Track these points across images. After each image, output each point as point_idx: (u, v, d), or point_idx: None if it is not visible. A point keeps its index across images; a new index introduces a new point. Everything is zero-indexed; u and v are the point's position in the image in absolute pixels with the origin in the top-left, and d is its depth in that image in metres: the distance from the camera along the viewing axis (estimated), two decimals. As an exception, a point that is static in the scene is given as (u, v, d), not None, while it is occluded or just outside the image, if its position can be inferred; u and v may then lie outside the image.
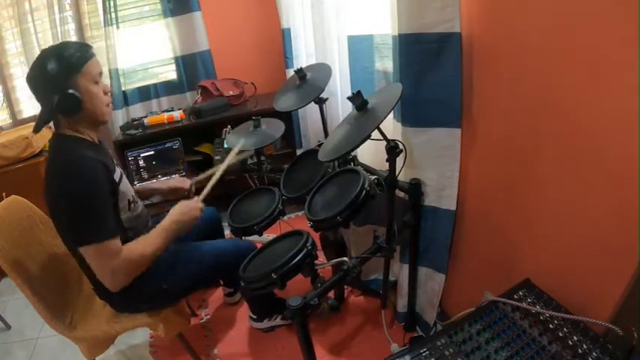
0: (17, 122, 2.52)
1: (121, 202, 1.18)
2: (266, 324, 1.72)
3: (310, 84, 1.58)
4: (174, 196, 1.56)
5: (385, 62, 1.60)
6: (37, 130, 1.17)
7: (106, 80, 2.38)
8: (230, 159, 1.46)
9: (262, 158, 1.76)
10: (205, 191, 1.38)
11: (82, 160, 1.08)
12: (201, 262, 1.36)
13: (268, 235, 1.62)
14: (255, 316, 1.73)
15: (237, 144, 1.50)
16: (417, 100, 1.22)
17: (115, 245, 1.11)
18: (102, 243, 1.08)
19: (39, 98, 1.10)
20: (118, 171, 1.22)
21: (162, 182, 1.56)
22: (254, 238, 1.46)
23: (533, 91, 0.95)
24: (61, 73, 1.06)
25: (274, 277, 1.07)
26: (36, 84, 1.09)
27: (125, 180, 1.25)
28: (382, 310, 1.63)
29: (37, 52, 2.30)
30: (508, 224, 1.15)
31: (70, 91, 1.07)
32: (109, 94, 1.21)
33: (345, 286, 1.84)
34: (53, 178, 1.09)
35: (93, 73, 1.12)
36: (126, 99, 2.57)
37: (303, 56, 2.14)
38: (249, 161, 1.85)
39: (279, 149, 2.60)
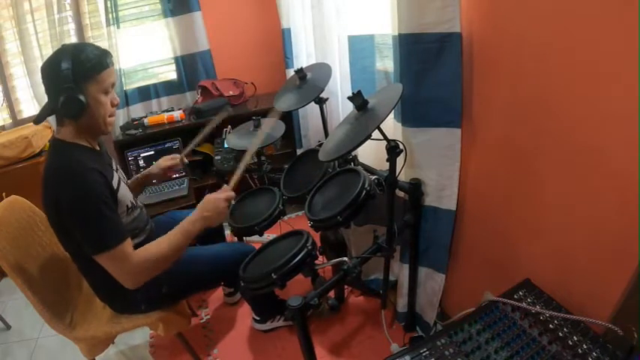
0: (17, 122, 2.52)
1: (120, 208, 1.18)
2: (268, 325, 1.72)
3: (310, 84, 1.58)
4: (171, 174, 1.53)
5: (386, 62, 1.60)
6: (38, 121, 1.16)
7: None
8: (256, 144, 1.39)
9: (262, 158, 1.76)
10: (235, 178, 1.31)
11: (80, 170, 1.07)
12: (201, 266, 1.36)
13: (269, 235, 1.62)
14: (258, 318, 1.73)
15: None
16: (417, 100, 1.22)
17: (127, 248, 1.11)
18: (113, 249, 1.08)
19: (47, 91, 1.09)
20: (117, 177, 1.21)
21: (153, 167, 1.52)
22: (255, 238, 1.46)
23: (533, 91, 0.96)
24: (74, 75, 1.04)
25: (274, 277, 1.07)
26: (47, 77, 1.08)
27: (123, 185, 1.24)
28: (382, 310, 1.63)
29: (36, 52, 2.35)
30: (508, 224, 1.15)
31: (80, 97, 1.05)
32: (117, 105, 1.18)
33: (345, 286, 1.84)
34: (52, 190, 1.08)
35: (106, 83, 1.10)
36: (126, 99, 2.56)
37: (303, 56, 2.14)
38: (250, 161, 1.85)
39: (279, 149, 2.61)
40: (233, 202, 1.28)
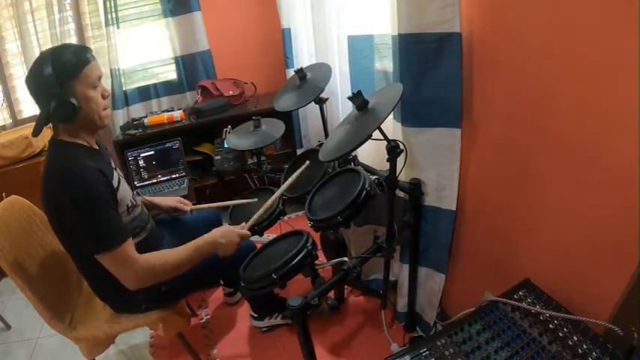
0: (17, 122, 2.52)
1: (120, 207, 1.18)
2: (267, 323, 1.72)
3: (310, 84, 1.58)
4: (173, 214, 1.55)
5: (385, 62, 1.60)
6: (35, 133, 1.15)
7: (106, 80, 2.38)
8: (279, 193, 1.40)
9: (262, 158, 1.76)
10: (254, 219, 1.33)
11: (80, 169, 1.07)
12: (201, 264, 1.36)
13: (269, 235, 1.62)
14: (256, 315, 1.73)
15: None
16: (417, 100, 1.22)
17: (129, 248, 1.11)
18: (116, 249, 1.08)
19: (37, 101, 1.09)
20: (116, 176, 1.21)
21: (163, 199, 1.54)
22: (254, 238, 1.46)
23: (533, 91, 0.96)
24: (57, 78, 1.03)
25: (274, 277, 1.07)
26: (33, 87, 1.07)
27: (123, 184, 1.24)
28: (382, 310, 1.63)
29: (36, 52, 2.35)
30: (508, 224, 1.15)
31: (71, 99, 1.05)
32: (108, 97, 1.18)
33: (345, 286, 1.84)
34: (53, 190, 1.07)
35: (91, 78, 1.10)
36: (126, 99, 2.57)
37: (303, 56, 2.14)
38: (250, 161, 1.85)
39: (279, 149, 2.61)
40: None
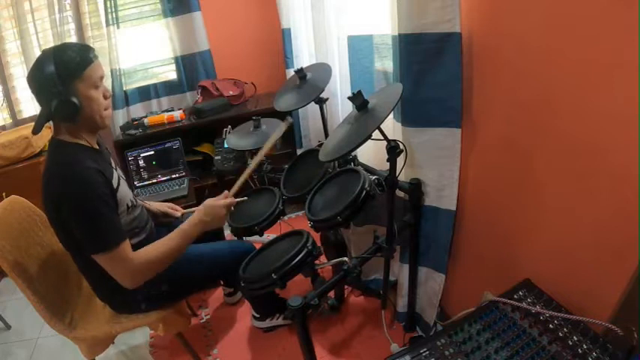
0: (17, 122, 2.52)
1: (120, 207, 1.18)
2: (268, 323, 1.72)
3: (310, 84, 1.58)
4: (164, 220, 1.54)
5: (385, 62, 1.60)
6: (36, 131, 1.15)
7: (107, 80, 2.38)
8: (258, 158, 1.39)
9: (262, 158, 1.76)
10: (237, 184, 1.33)
11: (80, 170, 1.07)
12: (200, 264, 1.36)
13: (269, 235, 1.62)
14: (257, 315, 1.73)
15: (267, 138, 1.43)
16: (417, 100, 1.22)
17: (126, 248, 1.11)
18: (113, 250, 1.08)
19: (38, 99, 1.09)
20: (116, 176, 1.21)
21: (155, 204, 1.54)
22: (255, 238, 1.46)
23: (533, 91, 0.96)
24: (60, 78, 1.03)
25: (274, 277, 1.07)
26: (35, 86, 1.07)
27: (123, 184, 1.24)
28: (382, 310, 1.63)
29: (37, 52, 2.35)
30: (508, 224, 1.15)
31: (72, 99, 1.05)
32: (110, 98, 1.18)
33: (345, 286, 1.84)
34: (53, 190, 1.07)
35: (93, 78, 1.09)
36: (126, 99, 2.57)
37: (303, 56, 2.14)
38: (250, 161, 1.85)
39: (279, 149, 2.61)
40: (233, 208, 1.29)
